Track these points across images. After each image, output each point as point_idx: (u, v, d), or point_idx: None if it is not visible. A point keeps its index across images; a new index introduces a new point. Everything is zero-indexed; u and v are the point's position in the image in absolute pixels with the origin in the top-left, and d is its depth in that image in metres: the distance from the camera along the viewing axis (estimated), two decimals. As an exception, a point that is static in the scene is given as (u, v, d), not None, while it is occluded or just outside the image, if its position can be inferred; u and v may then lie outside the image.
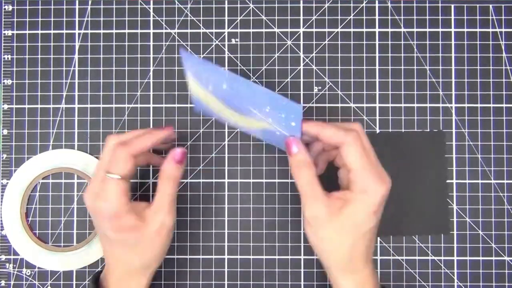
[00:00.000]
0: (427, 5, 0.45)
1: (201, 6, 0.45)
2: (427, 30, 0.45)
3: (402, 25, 0.45)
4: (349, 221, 0.34)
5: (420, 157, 0.43)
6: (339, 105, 0.45)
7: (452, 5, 0.45)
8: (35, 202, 0.44)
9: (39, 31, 0.45)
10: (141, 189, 0.44)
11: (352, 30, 0.45)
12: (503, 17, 0.44)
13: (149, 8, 0.45)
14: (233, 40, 0.45)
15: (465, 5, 0.44)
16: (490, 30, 0.44)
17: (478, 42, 0.44)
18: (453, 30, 0.44)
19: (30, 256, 0.44)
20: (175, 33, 0.45)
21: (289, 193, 0.44)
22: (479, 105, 0.44)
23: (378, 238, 0.44)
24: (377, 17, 0.45)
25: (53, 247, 0.44)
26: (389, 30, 0.45)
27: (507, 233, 0.44)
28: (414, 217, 0.43)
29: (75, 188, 0.44)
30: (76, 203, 0.44)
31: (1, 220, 0.44)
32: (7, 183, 0.44)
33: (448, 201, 0.43)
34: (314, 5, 0.45)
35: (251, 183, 0.44)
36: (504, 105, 0.44)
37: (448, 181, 0.44)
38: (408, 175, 0.43)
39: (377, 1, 0.45)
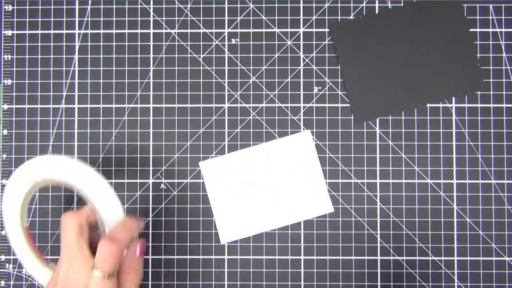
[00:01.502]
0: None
1: (201, 6, 0.45)
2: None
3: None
4: None
5: (442, 28, 0.44)
6: (339, 105, 0.45)
7: (452, 5, 0.45)
8: (35, 203, 0.44)
9: (39, 31, 0.45)
10: (140, 190, 0.44)
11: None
12: (503, 17, 0.44)
13: (149, 8, 0.45)
14: (233, 40, 0.45)
15: (465, 5, 0.44)
16: (490, 30, 0.44)
17: (478, 42, 0.44)
18: (453, 30, 0.45)
19: (34, 272, 0.39)
20: (175, 33, 0.45)
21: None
22: (479, 105, 0.44)
23: (378, 238, 0.44)
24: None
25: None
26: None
27: (507, 233, 0.44)
28: (446, 81, 0.44)
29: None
30: (76, 203, 0.44)
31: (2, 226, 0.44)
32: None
33: (476, 57, 0.44)
34: (314, 5, 0.45)
35: (251, 183, 0.44)
36: (504, 105, 0.44)
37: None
38: (433, 43, 0.44)
39: (377, 1, 0.45)
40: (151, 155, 0.45)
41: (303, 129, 0.44)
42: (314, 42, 0.45)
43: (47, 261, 0.39)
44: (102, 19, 0.45)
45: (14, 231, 0.38)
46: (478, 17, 0.44)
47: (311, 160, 0.44)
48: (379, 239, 0.44)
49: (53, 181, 0.38)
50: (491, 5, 0.44)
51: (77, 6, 0.45)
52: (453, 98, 0.44)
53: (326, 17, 0.45)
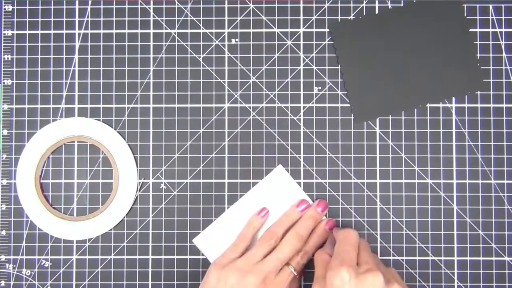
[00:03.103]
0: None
1: (201, 6, 0.45)
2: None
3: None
4: None
5: (442, 28, 0.44)
6: (339, 105, 0.45)
7: (452, 5, 0.45)
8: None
9: (39, 31, 0.45)
10: (141, 190, 0.44)
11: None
12: (503, 17, 0.44)
13: (149, 8, 0.45)
14: (233, 40, 0.45)
15: (465, 5, 0.44)
16: (490, 30, 0.44)
17: (478, 42, 0.44)
18: (453, 30, 0.45)
19: (47, 226, 0.44)
20: (175, 33, 0.45)
21: (289, 193, 0.44)
22: (479, 105, 0.44)
23: (378, 238, 0.44)
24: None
25: (69, 217, 0.44)
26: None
27: (507, 233, 0.44)
28: (446, 81, 0.44)
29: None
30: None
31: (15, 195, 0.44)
32: (7, 183, 0.44)
33: (476, 57, 0.44)
34: (314, 5, 0.45)
35: (251, 183, 0.44)
36: (504, 105, 0.44)
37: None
38: (433, 43, 0.44)
39: (377, 1, 0.45)
40: (151, 155, 0.45)
41: (277, 165, 0.44)
42: (314, 42, 0.45)
43: (52, 209, 0.44)
44: (102, 19, 0.45)
45: (27, 177, 0.44)
46: (478, 17, 0.44)
47: (293, 190, 0.44)
48: (379, 239, 0.44)
49: (79, 138, 0.44)
50: (491, 5, 0.44)
51: (77, 6, 0.45)
52: (453, 98, 0.44)
53: (326, 17, 0.45)
